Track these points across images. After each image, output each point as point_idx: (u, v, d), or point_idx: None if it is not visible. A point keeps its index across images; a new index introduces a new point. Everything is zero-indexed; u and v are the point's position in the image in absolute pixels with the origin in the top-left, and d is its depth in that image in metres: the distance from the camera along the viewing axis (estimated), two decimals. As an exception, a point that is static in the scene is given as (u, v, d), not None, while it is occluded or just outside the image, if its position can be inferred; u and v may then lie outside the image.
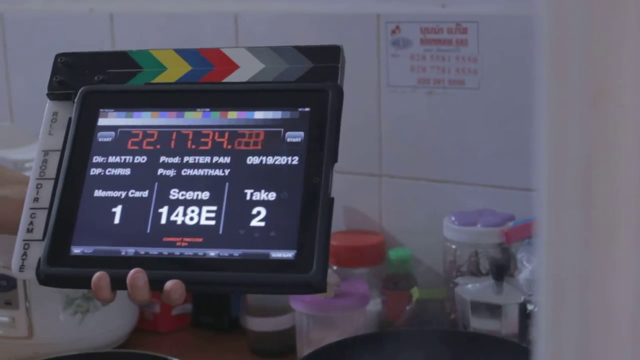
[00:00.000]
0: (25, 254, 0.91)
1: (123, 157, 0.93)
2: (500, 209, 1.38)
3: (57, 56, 1.00)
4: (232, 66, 0.96)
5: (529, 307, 1.22)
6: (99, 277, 0.87)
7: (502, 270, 1.27)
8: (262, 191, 0.89)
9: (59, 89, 0.98)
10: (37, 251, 0.90)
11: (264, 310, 1.41)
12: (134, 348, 1.43)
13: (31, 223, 0.92)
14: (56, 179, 0.93)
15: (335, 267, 1.40)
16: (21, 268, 0.91)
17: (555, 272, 0.42)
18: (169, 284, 0.86)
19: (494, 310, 1.24)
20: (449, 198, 1.45)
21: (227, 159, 0.91)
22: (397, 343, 1.22)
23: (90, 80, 0.98)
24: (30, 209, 0.93)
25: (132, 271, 0.86)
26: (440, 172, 1.46)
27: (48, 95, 0.99)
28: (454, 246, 1.36)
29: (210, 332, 1.51)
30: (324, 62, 0.95)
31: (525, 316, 1.23)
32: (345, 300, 1.31)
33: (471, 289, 1.27)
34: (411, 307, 1.38)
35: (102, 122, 0.95)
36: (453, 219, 1.37)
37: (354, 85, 1.44)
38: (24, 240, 0.91)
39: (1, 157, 1.50)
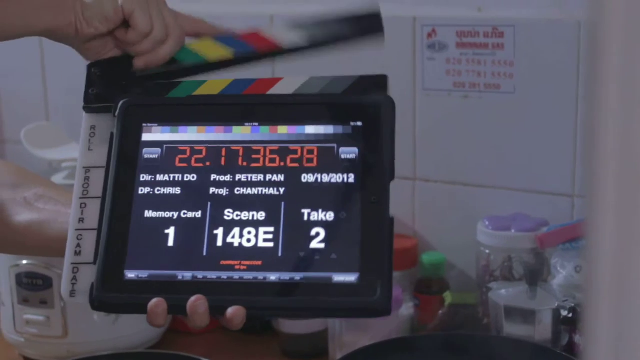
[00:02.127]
0: (75, 278, 0.87)
1: (172, 175, 0.89)
2: (535, 214, 1.38)
3: (90, 66, 0.96)
4: (276, 77, 0.94)
5: (563, 312, 1.22)
6: (157, 303, 0.83)
7: (536, 275, 1.26)
8: (320, 211, 0.86)
9: (95, 102, 0.94)
10: (88, 274, 0.86)
11: (297, 313, 1.41)
12: (166, 348, 1.43)
13: (78, 245, 0.88)
14: (103, 199, 0.89)
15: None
16: (72, 293, 0.87)
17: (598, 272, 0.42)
18: (230, 311, 0.83)
19: (528, 316, 1.23)
20: (483, 202, 1.44)
21: (281, 177, 0.88)
22: (430, 347, 1.22)
23: (129, 92, 0.94)
24: (76, 230, 0.89)
25: (193, 298, 0.83)
26: (474, 176, 1.45)
27: (84, 108, 0.94)
28: (487, 251, 1.36)
29: (241, 333, 1.51)
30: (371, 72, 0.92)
31: (559, 322, 1.22)
32: (378, 303, 1.31)
33: (505, 294, 1.27)
34: (444, 312, 1.38)
35: (146, 137, 0.91)
36: (487, 223, 1.36)
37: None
38: (72, 264, 0.87)
39: (38, 157, 1.52)
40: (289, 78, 0.93)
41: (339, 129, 0.89)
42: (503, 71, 1.42)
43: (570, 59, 1.36)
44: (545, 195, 1.40)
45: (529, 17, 1.39)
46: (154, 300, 0.83)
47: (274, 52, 0.95)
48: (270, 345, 1.45)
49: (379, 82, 0.92)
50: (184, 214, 0.88)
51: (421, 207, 1.50)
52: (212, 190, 0.88)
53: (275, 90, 0.93)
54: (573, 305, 1.21)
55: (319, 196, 0.87)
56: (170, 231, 0.87)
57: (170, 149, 0.91)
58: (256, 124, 0.91)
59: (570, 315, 1.21)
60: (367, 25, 0.93)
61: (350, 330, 1.32)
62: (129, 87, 0.95)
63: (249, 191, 0.88)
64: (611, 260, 0.43)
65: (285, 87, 0.93)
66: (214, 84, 0.95)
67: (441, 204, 1.49)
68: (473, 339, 1.23)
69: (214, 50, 0.95)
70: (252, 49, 0.95)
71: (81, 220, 0.89)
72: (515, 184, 1.42)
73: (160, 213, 0.88)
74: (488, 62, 1.43)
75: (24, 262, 1.39)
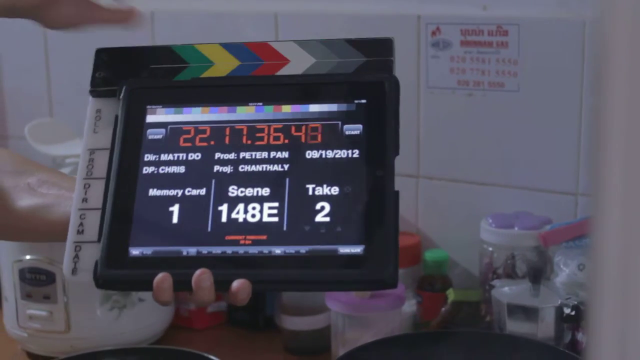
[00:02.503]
0: (77, 256, 0.87)
1: (176, 155, 0.90)
2: (538, 212, 1.38)
3: (99, 51, 0.97)
4: (282, 60, 0.94)
5: (566, 310, 1.22)
6: (162, 278, 0.84)
7: (539, 273, 1.26)
8: (325, 186, 0.86)
9: (102, 86, 0.95)
10: (90, 253, 0.87)
11: (299, 309, 1.41)
12: (169, 344, 1.44)
13: (81, 224, 0.89)
14: (107, 179, 0.90)
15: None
16: (74, 271, 0.87)
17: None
18: (235, 285, 0.83)
19: (531, 313, 1.23)
20: (486, 200, 1.44)
21: (286, 154, 0.88)
22: (433, 344, 1.21)
23: (135, 76, 0.95)
24: (79, 209, 0.89)
25: (197, 272, 0.83)
26: (478, 174, 1.46)
27: (91, 92, 0.95)
28: (490, 248, 1.36)
29: (244, 330, 1.51)
30: (377, 55, 0.92)
31: (561, 319, 1.22)
32: (381, 300, 1.31)
33: (508, 291, 1.27)
34: (446, 309, 1.38)
35: (150, 119, 0.92)
36: (490, 221, 1.36)
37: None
38: (74, 242, 0.88)
39: (41, 152, 1.52)
40: (295, 61, 0.94)
41: (343, 107, 0.90)
42: (507, 69, 1.42)
43: (575, 57, 1.36)
44: (548, 194, 1.40)
45: (533, 15, 1.39)
46: (160, 276, 0.84)
47: (282, 65, 0.95)
48: (272, 341, 1.45)
49: (385, 65, 0.92)
50: (188, 191, 0.89)
51: (424, 204, 1.50)
52: (216, 168, 0.89)
53: (283, 72, 0.94)
54: (576, 303, 1.21)
55: (324, 171, 0.87)
56: (175, 208, 0.88)
57: (175, 130, 0.92)
58: (260, 103, 0.92)
59: (573, 313, 1.21)
60: (377, 50, 0.93)
61: (352, 327, 1.32)
62: (135, 71, 0.96)
63: (253, 168, 0.89)
64: (615, 259, 0.43)
65: (292, 69, 0.94)
66: (220, 66, 0.95)
67: (444, 201, 1.49)
68: (476, 336, 1.23)
69: (221, 55, 0.96)
70: (260, 59, 0.95)
71: (84, 200, 0.90)
72: (518, 182, 1.43)
73: (165, 191, 0.89)
74: (492, 61, 1.43)
75: (27, 257, 1.39)
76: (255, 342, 1.47)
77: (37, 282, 1.39)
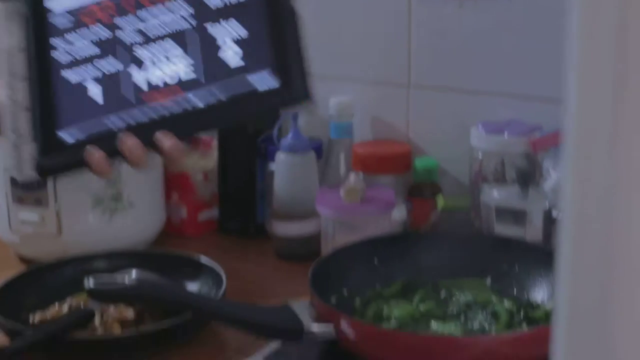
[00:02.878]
0: (19, 155, 0.94)
1: (85, 35, 0.96)
2: (529, 120, 1.38)
3: None
4: None
5: (554, 213, 1.22)
6: (92, 153, 0.91)
7: (528, 177, 1.26)
8: (231, 30, 0.92)
9: None
10: (29, 149, 0.93)
11: (290, 216, 1.42)
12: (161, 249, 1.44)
13: (15, 125, 0.95)
14: (28, 76, 0.95)
15: (361, 174, 1.39)
16: (20, 171, 0.94)
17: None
18: (166, 143, 0.91)
19: (519, 216, 1.24)
20: (477, 109, 1.44)
21: (190, 9, 0.93)
22: (420, 244, 1.22)
23: None
24: (11, 111, 0.95)
25: (125, 140, 0.91)
26: (469, 82, 1.45)
27: None
28: (480, 155, 1.36)
29: (236, 237, 1.52)
30: None
31: (550, 223, 1.23)
32: (371, 205, 1.32)
33: (496, 195, 1.27)
34: (436, 214, 1.39)
35: (51, 5, 0.97)
36: (480, 127, 1.37)
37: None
38: (14, 143, 0.94)
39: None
40: None
41: None
42: (500, -21, 1.41)
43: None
44: (540, 102, 1.40)
45: None
46: (90, 151, 0.92)
47: None
48: (263, 247, 1.46)
49: None
50: (104, 68, 0.94)
51: (415, 113, 1.50)
52: (125, 39, 0.95)
53: None
54: (564, 206, 1.22)
55: (228, 16, 0.92)
56: (95, 88, 0.94)
57: (78, 12, 0.96)
58: None
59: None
60: None
61: (342, 232, 1.33)
62: None
63: (161, 31, 0.94)
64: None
65: None
66: None
67: (435, 110, 1.49)
68: (463, 237, 1.24)
69: None
70: None
71: (13, 100, 0.95)
72: (510, 90, 1.42)
73: (82, 73, 0.95)
74: (485, -29, 1.42)
75: (19, 162, 1.39)
76: (246, 247, 1.48)
77: (28, 186, 1.40)
